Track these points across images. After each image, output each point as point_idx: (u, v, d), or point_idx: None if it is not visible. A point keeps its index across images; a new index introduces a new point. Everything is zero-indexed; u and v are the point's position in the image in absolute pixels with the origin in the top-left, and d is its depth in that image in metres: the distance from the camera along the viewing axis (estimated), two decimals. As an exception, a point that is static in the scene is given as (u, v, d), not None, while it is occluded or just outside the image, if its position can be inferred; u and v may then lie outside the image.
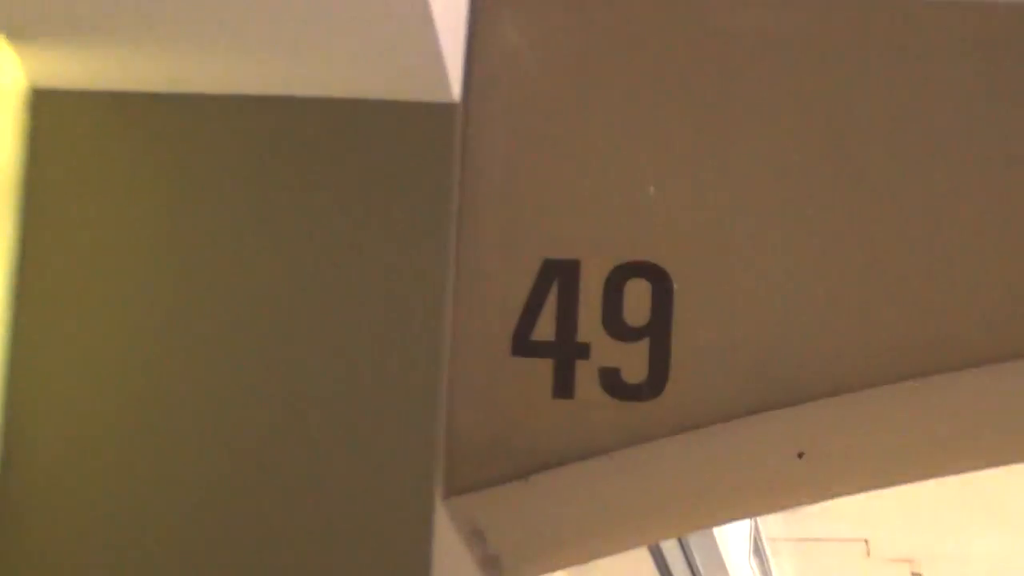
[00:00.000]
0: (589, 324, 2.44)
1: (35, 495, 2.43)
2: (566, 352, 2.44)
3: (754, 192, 2.48)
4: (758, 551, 7.13)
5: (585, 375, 2.44)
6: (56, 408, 2.44)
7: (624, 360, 2.43)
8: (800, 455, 2.57)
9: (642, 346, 2.43)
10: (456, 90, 2.42)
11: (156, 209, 2.51)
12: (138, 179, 2.51)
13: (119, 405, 2.45)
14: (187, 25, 2.33)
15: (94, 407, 2.46)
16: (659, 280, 2.44)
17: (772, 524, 6.87)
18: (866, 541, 7.19)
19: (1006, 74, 2.49)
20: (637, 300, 2.44)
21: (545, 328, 2.45)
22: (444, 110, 2.45)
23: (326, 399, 2.44)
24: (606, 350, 2.43)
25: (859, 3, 2.49)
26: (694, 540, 5.44)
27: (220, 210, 2.50)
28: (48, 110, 2.46)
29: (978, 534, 7.00)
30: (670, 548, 5.04)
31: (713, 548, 5.84)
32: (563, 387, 2.44)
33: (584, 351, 2.44)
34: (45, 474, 2.43)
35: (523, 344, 2.45)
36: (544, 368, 2.44)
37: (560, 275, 2.45)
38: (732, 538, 6.27)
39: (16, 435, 2.43)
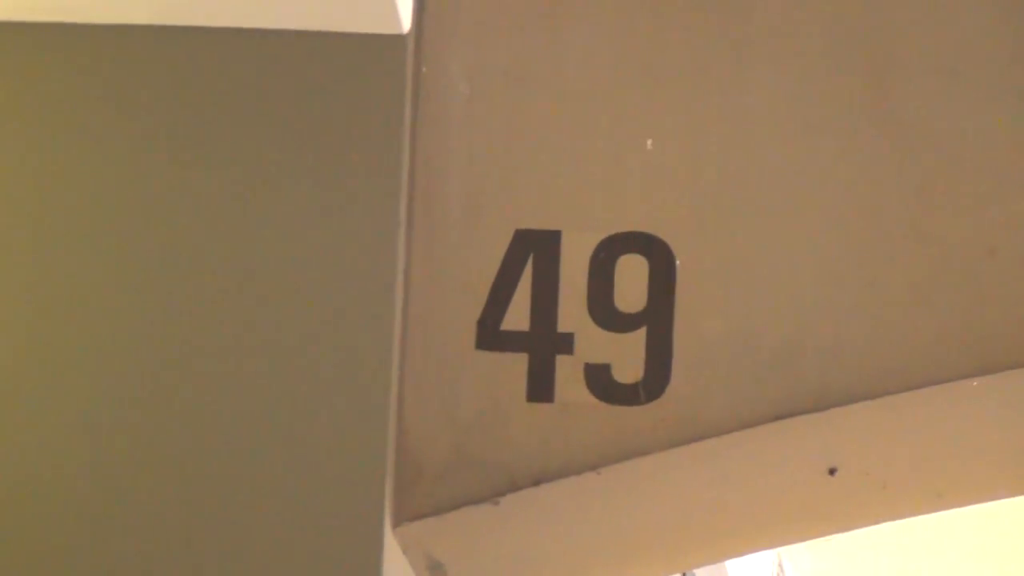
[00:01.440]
0: (572, 310, 2.37)
1: None
2: (544, 345, 2.37)
3: (774, 146, 2.41)
4: None
5: (567, 373, 2.36)
6: None
7: (616, 355, 2.36)
8: (832, 471, 2.48)
9: (638, 337, 2.35)
10: (406, 19, 2.34)
11: (77, 145, 2.44)
12: (75, 115, 2.44)
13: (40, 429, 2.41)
14: None
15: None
16: (658, 255, 2.36)
17: (800, 557, 6.84)
18: None
19: None
20: (631, 280, 2.36)
21: (518, 315, 2.36)
22: (391, 43, 2.36)
23: (245, 404, 2.35)
24: (593, 342, 2.36)
25: None
26: None
27: (144, 148, 2.42)
28: None
29: None
30: None
31: None
32: (540, 388, 2.36)
33: (566, 344, 2.36)
34: None
35: (491, 336, 2.37)
36: (517, 365, 2.36)
37: (537, 249, 2.37)
38: (750, 574, 6.27)
39: None
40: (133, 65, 2.50)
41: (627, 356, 2.35)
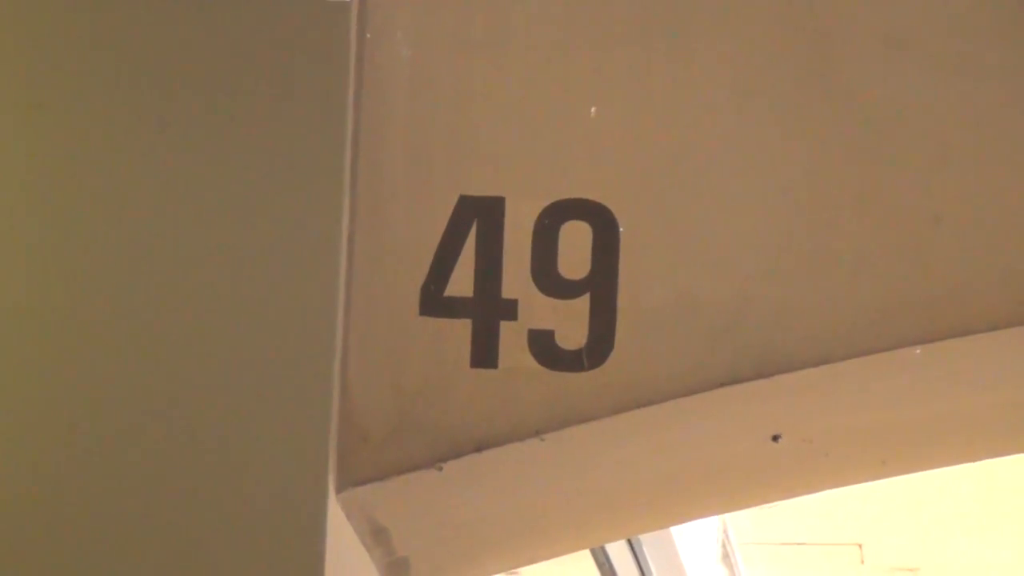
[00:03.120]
0: (516, 277, 2.36)
1: None
2: (488, 311, 2.36)
3: (718, 114, 2.41)
4: (727, 557, 7.16)
5: (511, 339, 2.35)
6: None
7: (559, 321, 2.35)
8: (775, 438, 2.48)
9: (581, 304, 2.34)
10: None
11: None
12: None
13: None
14: None
15: None
16: (602, 222, 2.36)
17: (744, 525, 6.88)
18: (860, 546, 7.28)
19: None
20: (575, 247, 2.36)
21: (462, 282, 2.36)
22: (336, 8, 2.37)
23: (188, 370, 2.36)
24: (537, 309, 2.36)
25: None
26: (648, 543, 5.41)
27: (77, 114, 2.41)
28: None
29: (993, 540, 7.18)
30: (618, 553, 5.02)
31: (672, 553, 5.84)
32: (484, 354, 2.36)
33: (510, 310, 2.36)
34: None
35: (434, 301, 2.37)
36: (461, 331, 2.36)
37: (480, 215, 2.37)
38: (695, 541, 6.29)
39: None
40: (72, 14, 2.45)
41: (570, 322, 2.35)
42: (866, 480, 2.81)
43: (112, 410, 2.37)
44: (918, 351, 2.35)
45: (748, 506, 3.97)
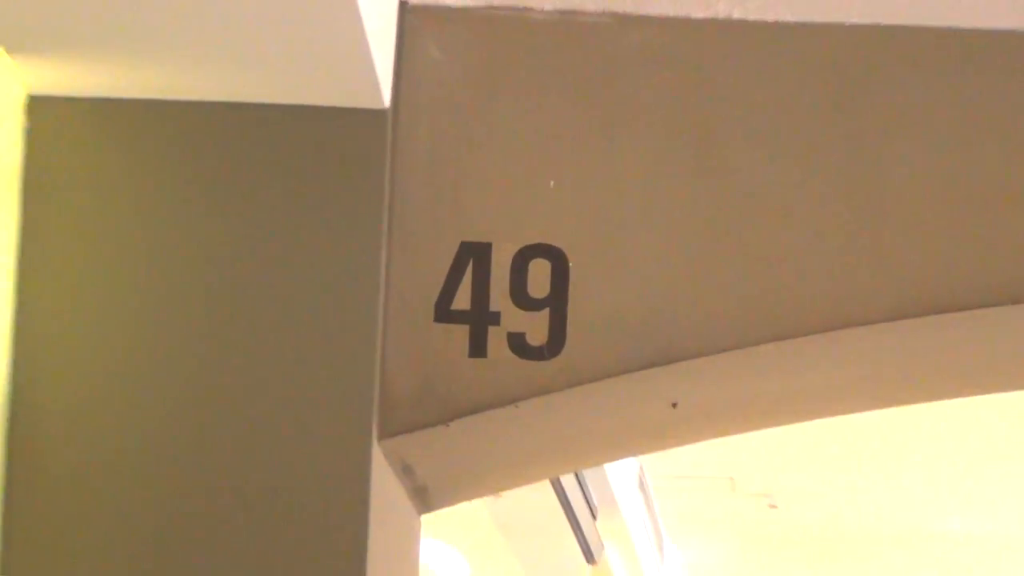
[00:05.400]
0: (499, 296, 2.44)
1: (41, 484, 2.31)
2: (480, 319, 2.43)
3: (637, 186, 2.46)
4: (642, 486, 7.00)
5: (496, 338, 2.43)
6: (58, 395, 2.33)
7: (528, 326, 2.42)
8: (674, 405, 2.56)
9: (543, 315, 2.42)
10: (387, 97, 2.36)
11: (128, 203, 2.41)
12: (110, 175, 2.42)
13: (108, 384, 2.36)
14: (159, 37, 2.22)
15: (89, 391, 2.35)
16: (557, 259, 2.43)
17: (653, 463, 6.73)
18: (731, 479, 7.02)
19: (850, 89, 2.46)
20: (539, 276, 2.42)
21: (462, 299, 2.43)
22: (377, 115, 2.39)
23: (283, 362, 2.40)
24: (513, 318, 2.42)
25: (727, 28, 2.47)
26: (589, 475, 5.32)
27: (183, 205, 2.41)
28: (42, 114, 2.36)
29: (829, 472, 6.87)
30: (568, 481, 4.94)
31: (605, 482, 5.74)
32: (477, 348, 2.43)
33: (495, 318, 2.43)
34: (50, 462, 2.32)
35: (444, 312, 2.42)
36: (461, 332, 2.43)
37: (475, 255, 2.43)
38: (621, 474, 6.17)
39: (21, 429, 2.32)
40: (163, 135, 2.41)
41: (536, 327, 2.42)
42: (736, 433, 2.87)
43: (216, 388, 2.37)
44: (770, 346, 2.43)
45: (654, 451, 4.11)
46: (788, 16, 2.41)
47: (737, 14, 2.43)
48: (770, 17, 2.42)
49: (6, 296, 2.30)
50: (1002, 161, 2.43)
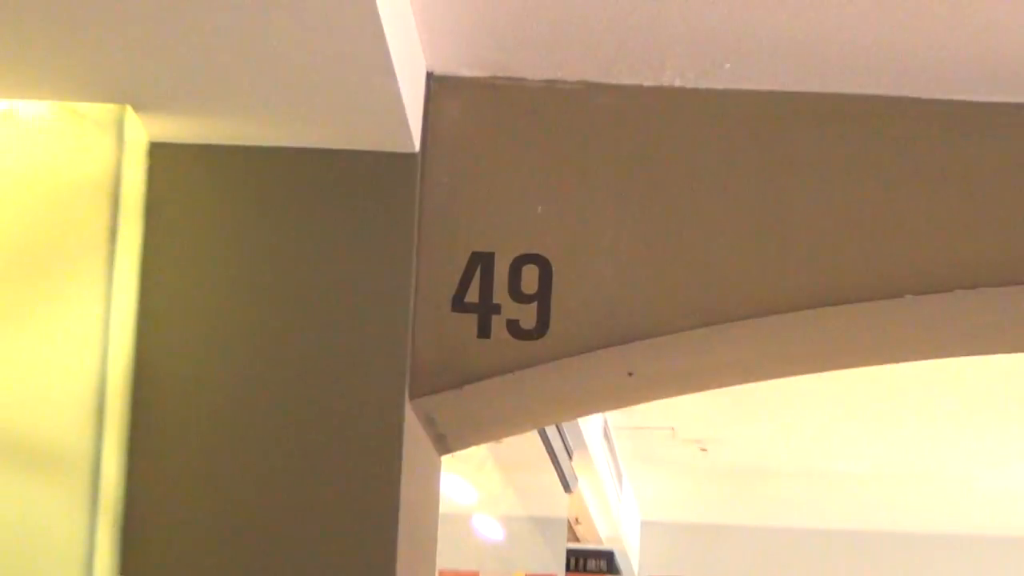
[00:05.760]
0: (500, 292, 2.50)
1: (165, 481, 2.35)
2: (486, 310, 2.49)
3: (603, 212, 2.53)
4: (606, 434, 7.13)
5: (497, 324, 2.49)
6: (176, 391, 2.38)
7: (522, 315, 2.49)
8: (630, 374, 2.64)
9: (533, 306, 2.49)
10: (417, 144, 2.43)
11: (222, 226, 2.45)
12: (206, 204, 2.44)
13: (212, 364, 2.41)
14: (250, 98, 2.27)
15: (202, 383, 2.40)
16: (544, 265, 2.50)
17: (614, 416, 6.75)
18: (672, 428, 6.94)
19: (764, 137, 2.49)
20: (529, 278, 2.49)
21: (472, 295, 2.50)
22: (409, 157, 2.45)
23: (340, 343, 2.44)
24: (511, 309, 2.49)
25: (671, 94, 2.54)
26: (566, 426, 5.44)
27: (265, 226, 2.44)
28: (160, 157, 2.44)
29: (748, 423, 6.71)
30: (551, 430, 5.17)
31: (578, 431, 5.89)
32: (483, 331, 2.48)
33: (497, 309, 2.48)
34: (172, 461, 2.37)
35: (458, 304, 2.49)
36: (471, 320, 2.49)
37: (482, 262, 2.49)
38: (591, 425, 6.21)
39: (144, 426, 2.35)
40: (248, 174, 2.41)
41: (527, 315, 2.50)
42: (677, 395, 3.01)
43: (300, 364, 2.40)
44: (704, 330, 2.49)
45: (616, 408, 4.09)
46: (718, 85, 2.50)
47: (678, 83, 2.51)
48: (703, 85, 2.50)
49: (131, 301, 2.34)
50: (868, 197, 2.51)
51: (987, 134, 2.49)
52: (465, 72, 2.51)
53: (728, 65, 2.42)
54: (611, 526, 7.28)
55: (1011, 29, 2.28)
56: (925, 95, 2.48)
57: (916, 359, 2.95)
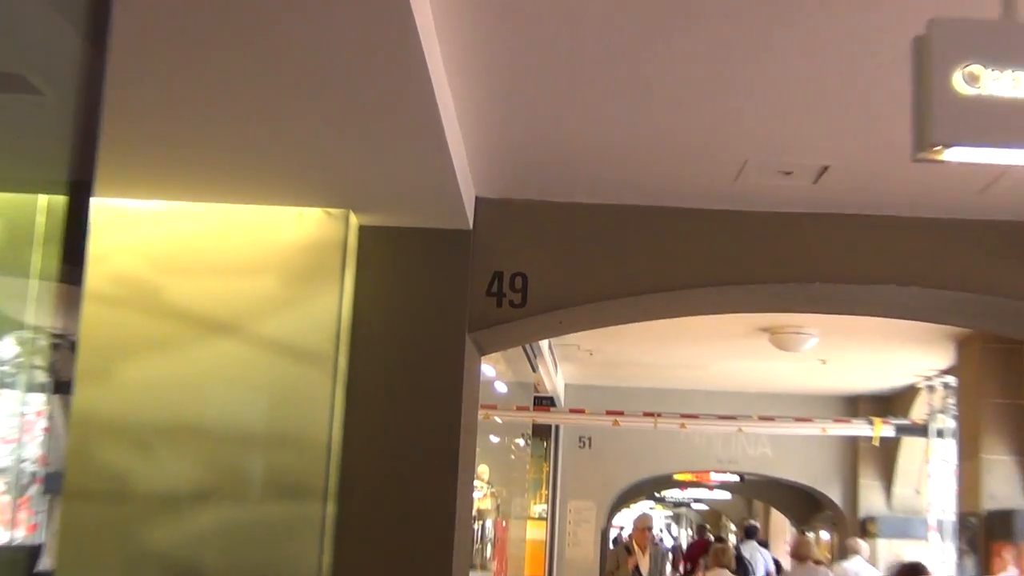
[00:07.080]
0: (505, 288, 4.16)
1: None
2: (499, 295, 4.22)
3: (573, 252, 4.12)
4: (550, 348, 10.72)
5: (504, 302, 4.21)
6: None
7: (515, 298, 4.25)
8: (560, 323, 4.22)
9: (520, 294, 4.23)
10: (470, 224, 4.00)
11: (390, 274, 3.82)
12: (383, 259, 3.73)
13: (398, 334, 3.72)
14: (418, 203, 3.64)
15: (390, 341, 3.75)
16: (525, 276, 4.20)
17: (554, 340, 10.33)
18: (578, 346, 10.54)
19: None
20: (518, 282, 4.23)
21: (494, 288, 4.23)
22: (465, 233, 4.10)
23: (440, 316, 3.84)
24: (510, 295, 4.24)
25: (669, 212, 3.91)
26: (533, 344, 8.75)
27: (402, 273, 3.75)
28: (364, 233, 3.90)
29: (619, 342, 10.06)
30: (527, 346, 8.38)
31: (539, 347, 9.35)
32: (499, 304, 4.21)
33: (504, 295, 4.22)
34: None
35: (488, 293, 4.22)
36: (493, 299, 4.23)
37: (498, 276, 4.13)
38: (544, 344, 9.59)
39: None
40: (405, 250, 3.59)
41: (517, 298, 4.04)
42: (583, 331, 4.62)
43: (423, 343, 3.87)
44: (604, 303, 3.92)
45: (554, 337, 6.64)
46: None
47: (672, 203, 3.98)
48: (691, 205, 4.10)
49: (348, 303, 3.47)
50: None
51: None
52: (497, 196, 4.33)
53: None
54: (552, 386, 11.92)
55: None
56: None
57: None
